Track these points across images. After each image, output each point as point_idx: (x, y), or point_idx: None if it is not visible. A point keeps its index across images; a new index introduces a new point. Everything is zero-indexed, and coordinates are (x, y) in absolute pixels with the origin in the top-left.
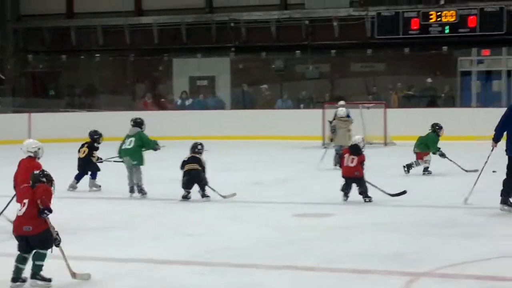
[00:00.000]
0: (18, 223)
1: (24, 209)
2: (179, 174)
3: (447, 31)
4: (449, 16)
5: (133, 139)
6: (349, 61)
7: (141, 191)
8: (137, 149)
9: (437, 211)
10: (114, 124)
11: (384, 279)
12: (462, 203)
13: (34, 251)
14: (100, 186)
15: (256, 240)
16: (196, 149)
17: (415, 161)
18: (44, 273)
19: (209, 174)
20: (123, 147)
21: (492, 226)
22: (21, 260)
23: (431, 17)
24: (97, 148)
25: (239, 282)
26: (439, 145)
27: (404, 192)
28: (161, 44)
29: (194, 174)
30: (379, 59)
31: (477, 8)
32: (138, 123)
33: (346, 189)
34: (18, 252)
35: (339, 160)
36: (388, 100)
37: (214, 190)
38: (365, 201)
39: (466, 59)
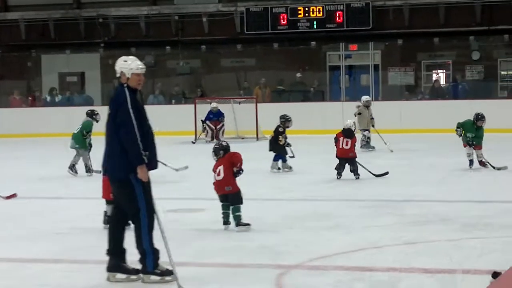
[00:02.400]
0: (220, 185)
1: (222, 174)
2: (48, 172)
3: (315, 26)
4: (316, 11)
5: (80, 126)
6: (220, 56)
7: (88, 171)
8: (79, 134)
9: (305, 204)
10: None
11: (255, 272)
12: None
13: (232, 206)
14: (291, 168)
15: (126, 237)
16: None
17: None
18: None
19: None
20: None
21: (360, 218)
22: (226, 207)
23: (299, 12)
24: (281, 132)
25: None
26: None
27: (386, 173)
28: (29, 40)
29: None
30: (249, 55)
31: (343, 4)
32: (88, 113)
33: (339, 169)
34: (222, 203)
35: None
36: (255, 95)
37: (165, 165)
38: (356, 178)
39: (334, 54)
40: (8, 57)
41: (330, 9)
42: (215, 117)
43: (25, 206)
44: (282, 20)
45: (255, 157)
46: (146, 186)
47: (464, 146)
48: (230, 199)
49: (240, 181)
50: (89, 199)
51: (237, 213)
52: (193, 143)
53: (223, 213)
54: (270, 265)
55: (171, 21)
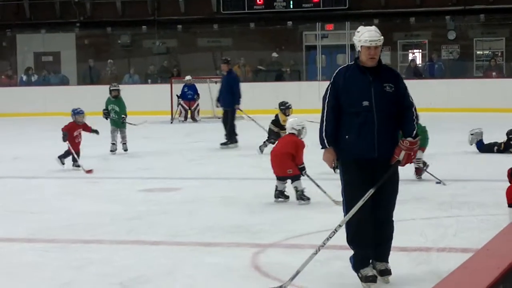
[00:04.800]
0: None
1: None
2: (22, 152)
3: (291, 6)
4: None
5: None
6: (196, 36)
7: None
8: None
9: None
10: None
11: (232, 250)
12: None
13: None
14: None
15: (100, 216)
16: None
17: None
18: None
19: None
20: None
21: (337, 197)
22: None
23: None
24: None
25: (83, 258)
26: None
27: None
28: (4, 19)
29: None
30: (225, 34)
31: None
32: None
33: None
34: None
35: None
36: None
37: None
38: None
39: (311, 33)
40: None
41: None
42: (190, 90)
43: None
44: (258, 0)
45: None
46: (350, 175)
47: None
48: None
49: (216, 159)
50: (64, 179)
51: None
52: (171, 123)
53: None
54: (246, 244)
55: (147, 0)
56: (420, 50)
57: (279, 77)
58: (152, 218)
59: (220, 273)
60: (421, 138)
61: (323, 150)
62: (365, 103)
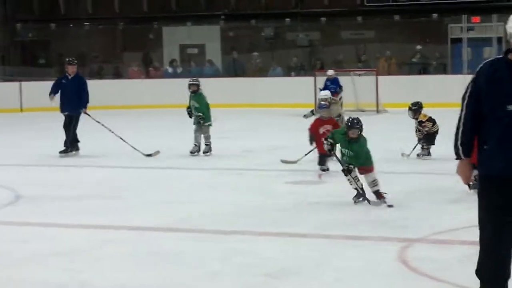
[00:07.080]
0: None
1: None
2: (165, 143)
3: None
4: None
5: None
6: (339, 28)
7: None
8: None
9: (427, 178)
10: (102, 92)
11: (379, 245)
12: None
13: None
14: None
15: (246, 207)
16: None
17: None
18: None
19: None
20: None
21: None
22: None
23: None
24: None
25: (227, 249)
26: None
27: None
28: (151, 12)
29: None
30: (369, 27)
31: None
32: None
33: None
34: None
35: None
36: (380, 68)
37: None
38: None
39: (457, 26)
40: (130, 29)
41: None
42: (333, 84)
43: (141, 176)
44: None
45: (376, 130)
46: (485, 196)
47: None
48: None
49: None
50: (208, 170)
51: None
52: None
53: None
54: (392, 238)
55: None
56: None
57: (424, 70)
58: (297, 211)
59: (367, 267)
60: (362, 156)
61: (457, 161)
62: (510, 107)
